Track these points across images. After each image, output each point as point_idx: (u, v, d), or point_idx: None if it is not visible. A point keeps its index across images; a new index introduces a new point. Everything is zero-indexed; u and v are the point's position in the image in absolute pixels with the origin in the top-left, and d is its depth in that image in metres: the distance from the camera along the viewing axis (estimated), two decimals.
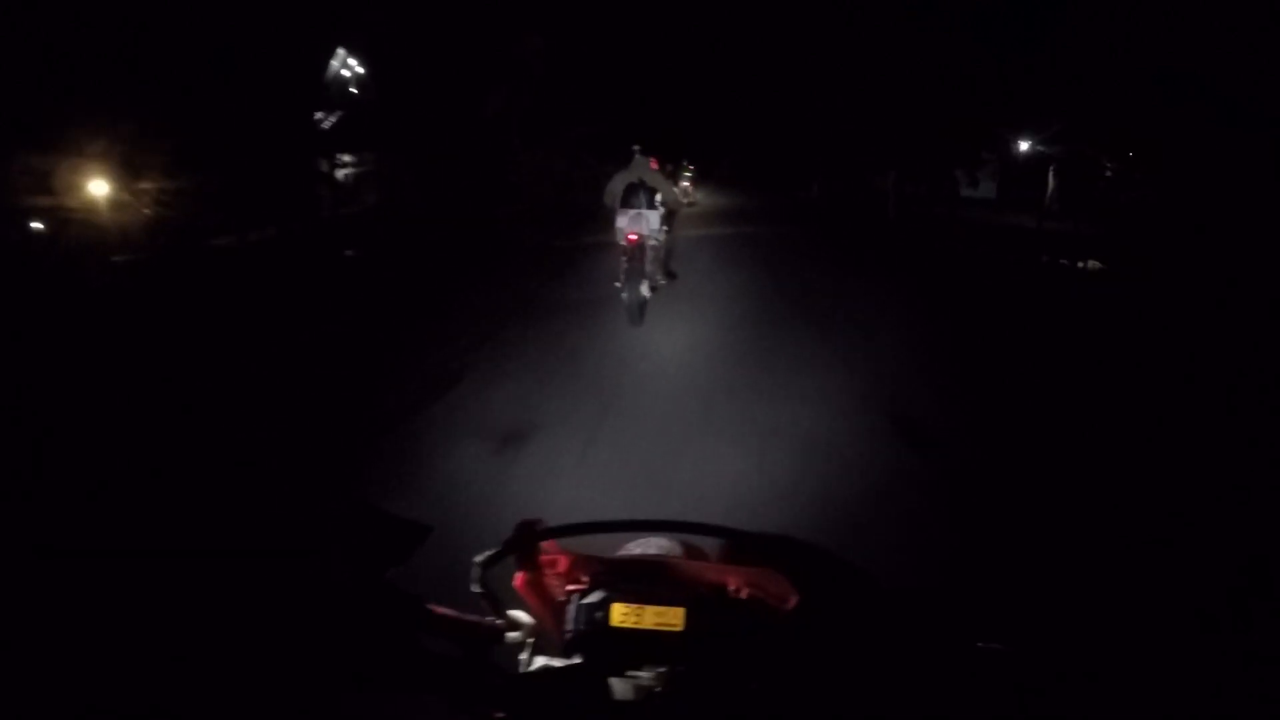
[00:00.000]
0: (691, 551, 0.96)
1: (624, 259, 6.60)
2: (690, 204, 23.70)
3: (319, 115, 18.39)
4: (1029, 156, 17.83)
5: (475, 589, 0.74)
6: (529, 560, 0.76)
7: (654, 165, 10.95)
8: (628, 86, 23.31)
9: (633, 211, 6.82)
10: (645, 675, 0.75)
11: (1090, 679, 0.70)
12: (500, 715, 0.67)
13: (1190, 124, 12.72)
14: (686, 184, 22.52)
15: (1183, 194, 14.17)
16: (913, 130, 18.94)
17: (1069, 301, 8.76)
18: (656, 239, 6.99)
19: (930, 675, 0.71)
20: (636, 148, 7.15)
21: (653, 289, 7.06)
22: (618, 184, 6.92)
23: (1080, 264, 11.46)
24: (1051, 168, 16.73)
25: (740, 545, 0.83)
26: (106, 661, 0.60)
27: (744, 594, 0.80)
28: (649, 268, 6.88)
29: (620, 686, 0.74)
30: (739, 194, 27.77)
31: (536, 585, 0.79)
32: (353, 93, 20.56)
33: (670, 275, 8.22)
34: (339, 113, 19.10)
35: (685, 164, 24.64)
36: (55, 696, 0.59)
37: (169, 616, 0.61)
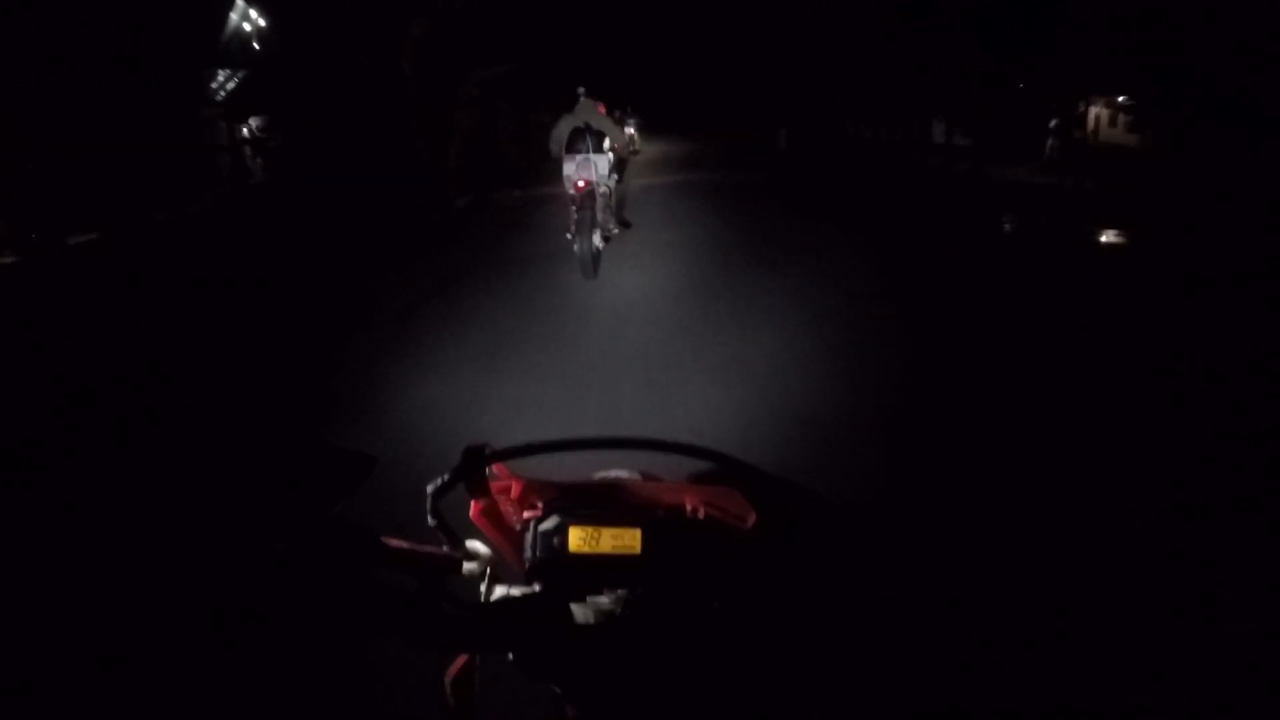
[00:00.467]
0: (648, 475, 0.95)
1: (573, 208, 6.43)
2: (634, 152, 22.87)
3: (220, 76, 17.11)
4: (1020, 104, 17.10)
5: (430, 521, 0.72)
6: (480, 486, 0.74)
7: (601, 110, 10.43)
8: (553, 17, 21.13)
9: (579, 157, 6.62)
10: (605, 599, 0.75)
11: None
12: (458, 645, 0.66)
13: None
14: (631, 131, 21.79)
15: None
16: (891, 73, 18.51)
17: (1077, 287, 6.41)
18: (607, 185, 6.85)
19: (878, 588, 0.72)
20: (581, 90, 6.92)
21: (605, 239, 6.92)
22: (563, 129, 6.68)
23: (1095, 233, 8.87)
24: (1054, 120, 15.84)
25: (699, 465, 0.82)
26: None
27: (701, 513, 0.79)
28: (600, 216, 6.70)
29: (581, 611, 0.74)
30: (695, 142, 27.37)
31: (491, 514, 0.77)
32: (255, 49, 19.18)
33: (624, 224, 8.08)
34: (241, 72, 17.79)
35: (629, 109, 24.09)
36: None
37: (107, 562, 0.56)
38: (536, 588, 0.78)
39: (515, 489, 0.82)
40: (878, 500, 2.59)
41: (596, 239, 6.50)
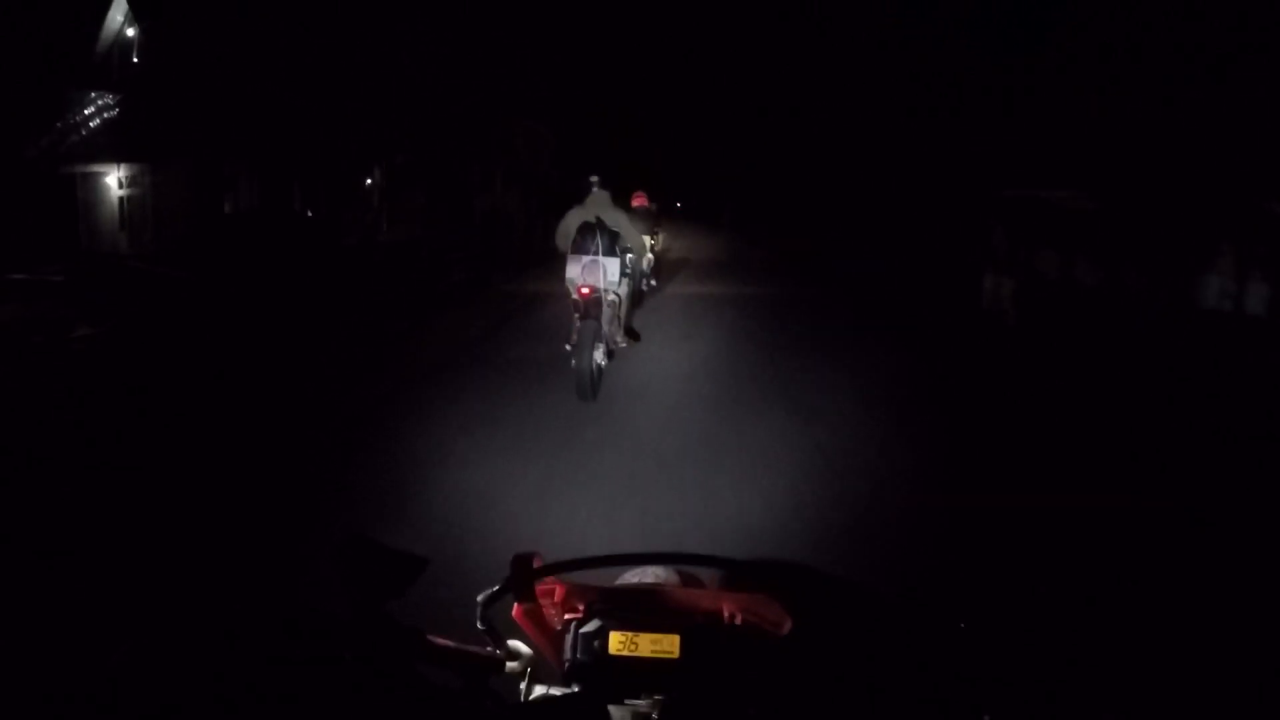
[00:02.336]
0: (687, 580, 0.97)
1: (576, 316, 6.15)
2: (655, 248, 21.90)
3: (92, 104, 13.79)
4: None
5: (479, 626, 0.76)
6: (526, 591, 0.78)
7: (641, 200, 9.94)
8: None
9: (587, 258, 6.08)
10: (643, 703, 0.78)
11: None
12: None
13: None
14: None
15: None
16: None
17: None
18: (616, 293, 6.33)
19: (922, 689, 0.73)
20: (594, 179, 6.48)
21: (610, 353, 6.45)
22: (571, 222, 6.28)
23: None
24: None
25: (735, 573, 0.84)
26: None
27: (739, 620, 0.83)
28: (607, 328, 6.26)
29: (618, 714, 0.78)
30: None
31: (534, 615, 0.82)
32: (135, 62, 15.62)
33: (632, 335, 7.45)
34: (116, 97, 14.37)
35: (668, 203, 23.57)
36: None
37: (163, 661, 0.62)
38: (575, 688, 0.80)
39: (559, 593, 0.87)
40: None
41: (599, 355, 6.04)
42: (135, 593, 2.91)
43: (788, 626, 0.89)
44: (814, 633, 0.88)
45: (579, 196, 6.49)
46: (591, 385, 5.77)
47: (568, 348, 5.94)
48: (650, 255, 11.90)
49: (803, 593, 0.84)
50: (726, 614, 0.93)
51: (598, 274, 5.95)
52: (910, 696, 0.76)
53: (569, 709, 0.85)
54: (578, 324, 5.97)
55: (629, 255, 6.55)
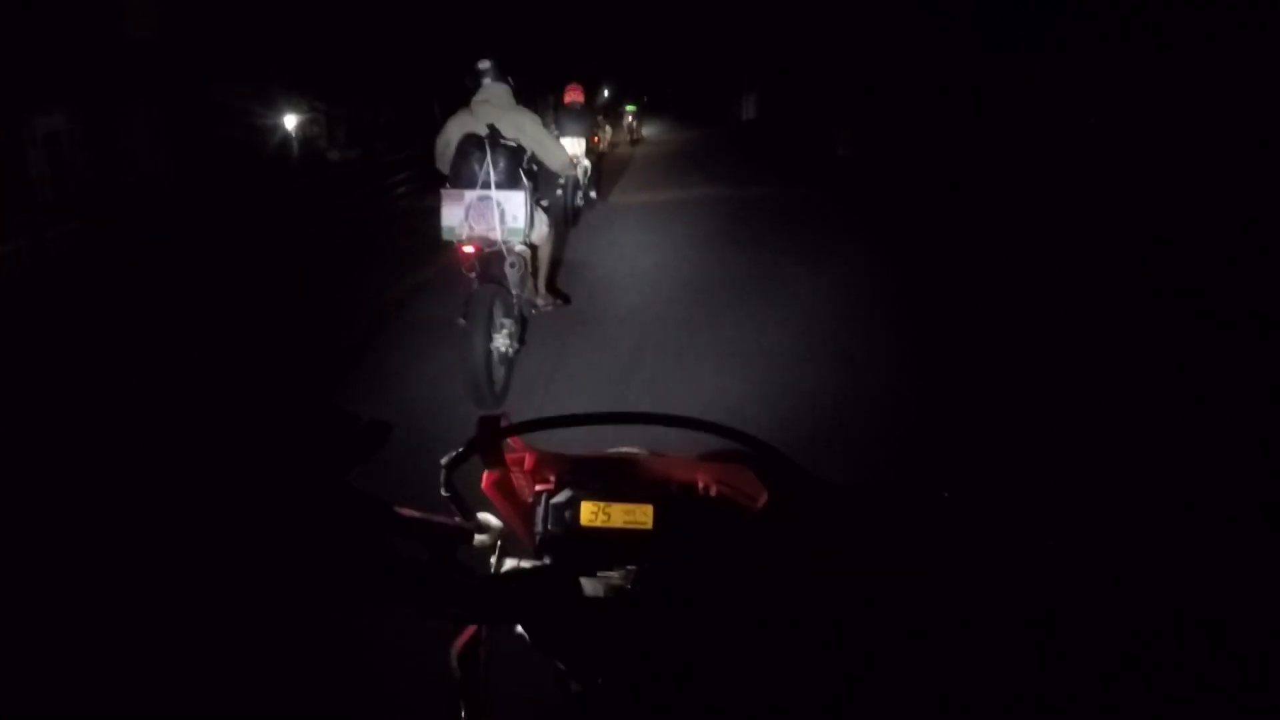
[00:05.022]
0: (660, 452, 0.94)
1: (472, 276, 4.31)
2: (635, 141, 20.88)
3: None
4: None
5: (443, 493, 0.71)
6: (495, 458, 0.73)
7: (574, 96, 8.56)
8: None
9: (473, 194, 4.15)
10: (615, 575, 0.76)
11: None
12: (467, 615, 0.66)
13: None
14: (630, 119, 20.08)
15: None
16: None
17: None
18: (524, 241, 4.37)
19: (894, 571, 0.72)
20: (484, 65, 4.40)
21: (523, 326, 4.63)
22: (451, 135, 4.39)
23: None
24: None
25: (711, 442, 0.81)
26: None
27: (713, 491, 0.80)
28: (517, 291, 4.40)
29: (591, 585, 0.75)
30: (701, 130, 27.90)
31: (504, 486, 0.78)
32: None
33: (558, 298, 5.42)
34: None
35: (625, 95, 23.04)
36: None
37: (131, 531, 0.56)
38: (546, 561, 0.78)
39: (529, 461, 0.83)
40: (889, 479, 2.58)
41: (503, 337, 4.14)
42: None
43: (763, 499, 0.90)
44: (790, 505, 0.88)
45: (463, 95, 4.49)
46: (489, 382, 3.91)
47: (461, 322, 3.98)
48: (586, 162, 10.05)
49: (778, 466, 0.83)
50: (701, 485, 0.91)
51: (490, 216, 4.09)
52: (890, 571, 0.77)
53: (540, 581, 0.84)
54: (474, 287, 4.13)
55: (554, 181, 4.77)
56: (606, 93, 18.24)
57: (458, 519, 0.86)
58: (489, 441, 0.88)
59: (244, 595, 1.95)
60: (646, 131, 25.40)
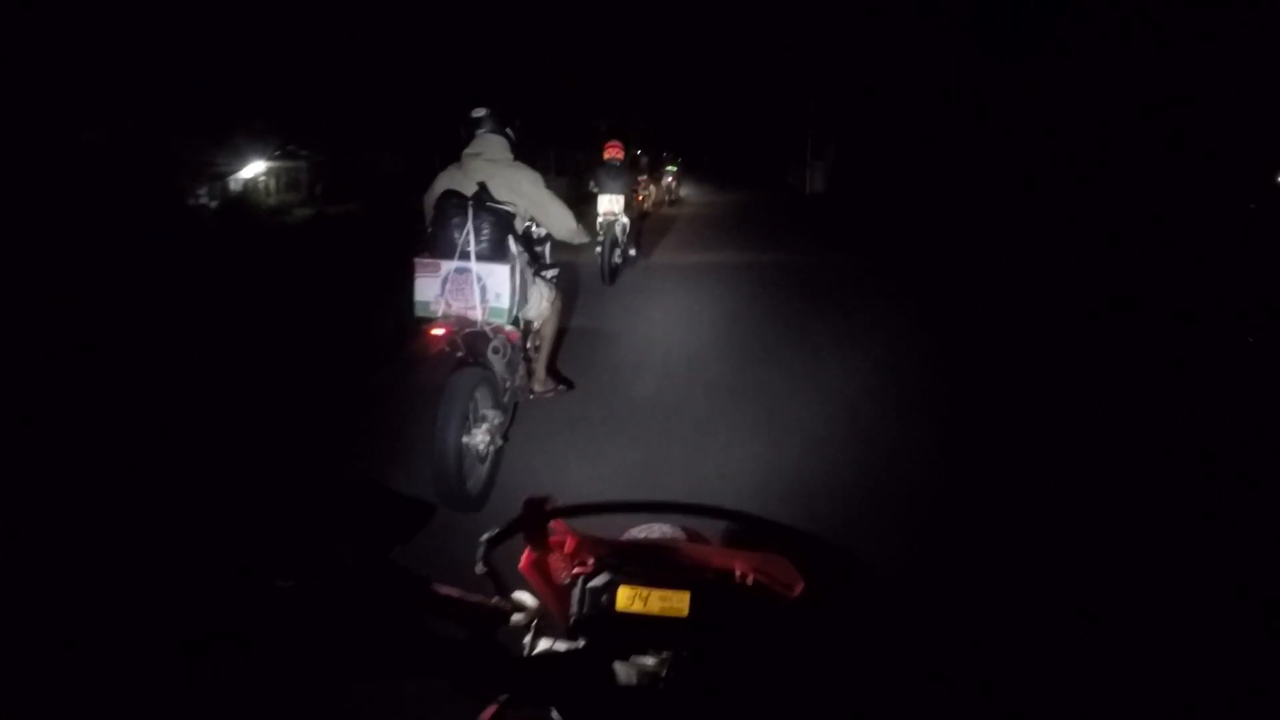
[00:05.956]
0: (695, 537, 0.95)
1: (458, 355, 3.66)
2: (674, 201, 20.81)
3: None
4: None
5: (480, 569, 0.73)
6: (537, 539, 0.75)
7: (613, 153, 8.45)
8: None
9: (450, 266, 3.54)
10: (650, 660, 0.76)
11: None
12: (503, 697, 0.66)
13: None
14: (671, 180, 20.01)
15: None
16: None
17: None
18: (515, 321, 3.77)
19: (924, 666, 0.71)
20: (480, 113, 3.88)
21: (509, 417, 3.96)
22: (438, 190, 3.75)
23: None
24: None
25: (747, 530, 0.82)
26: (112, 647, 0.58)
27: (750, 580, 0.80)
28: (503, 375, 3.75)
29: (624, 671, 0.75)
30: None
31: (541, 567, 0.79)
32: None
33: (560, 383, 4.67)
34: None
35: (664, 154, 22.74)
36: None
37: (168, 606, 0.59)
38: (581, 643, 0.78)
39: (569, 544, 0.83)
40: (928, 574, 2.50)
41: (481, 433, 3.54)
42: None
43: (800, 589, 0.90)
44: (826, 597, 0.87)
45: (454, 147, 3.90)
46: (459, 481, 3.26)
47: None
48: (625, 220, 9.52)
49: (815, 556, 0.83)
50: (738, 573, 0.91)
51: (469, 292, 3.46)
52: (914, 668, 0.76)
53: (574, 663, 0.81)
54: (451, 373, 3.46)
55: (544, 245, 3.93)
56: (640, 151, 17.78)
57: (495, 598, 0.86)
58: (534, 522, 0.90)
59: (286, 668, 1.87)
60: (685, 192, 25.86)
